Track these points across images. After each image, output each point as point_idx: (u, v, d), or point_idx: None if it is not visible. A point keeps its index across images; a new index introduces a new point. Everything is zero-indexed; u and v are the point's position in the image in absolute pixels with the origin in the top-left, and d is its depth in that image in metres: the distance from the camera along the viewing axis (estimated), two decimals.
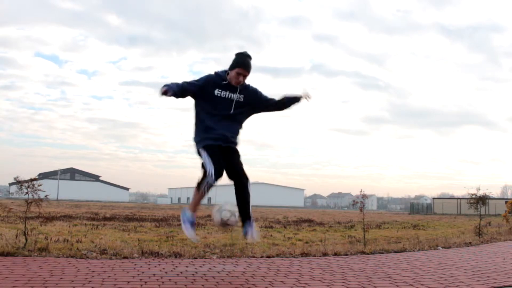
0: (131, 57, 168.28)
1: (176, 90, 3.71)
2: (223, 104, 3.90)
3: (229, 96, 3.93)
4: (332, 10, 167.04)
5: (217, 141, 3.87)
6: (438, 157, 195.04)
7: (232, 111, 3.92)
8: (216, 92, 3.91)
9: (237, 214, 3.84)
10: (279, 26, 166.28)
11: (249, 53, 4.00)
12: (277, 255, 5.00)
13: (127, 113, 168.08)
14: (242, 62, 3.92)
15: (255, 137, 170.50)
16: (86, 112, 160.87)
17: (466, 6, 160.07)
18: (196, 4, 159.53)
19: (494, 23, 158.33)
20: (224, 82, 3.94)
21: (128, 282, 3.29)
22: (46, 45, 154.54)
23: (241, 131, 4.06)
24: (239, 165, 3.96)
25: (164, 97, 3.68)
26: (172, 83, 3.73)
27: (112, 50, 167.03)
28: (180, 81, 3.85)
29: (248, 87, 4.05)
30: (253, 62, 3.99)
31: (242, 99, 3.97)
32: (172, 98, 3.77)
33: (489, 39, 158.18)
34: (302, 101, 4.16)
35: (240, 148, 4.06)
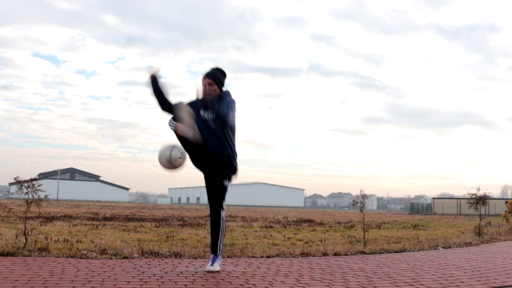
0: (129, 57, 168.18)
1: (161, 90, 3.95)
2: (207, 125, 3.92)
3: (209, 116, 3.94)
4: (329, 10, 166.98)
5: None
6: (437, 157, 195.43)
7: (214, 127, 3.90)
8: (202, 114, 3.96)
9: (185, 156, 3.84)
10: (276, 26, 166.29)
11: (221, 68, 4.04)
12: (277, 255, 5.00)
13: (125, 113, 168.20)
14: (205, 72, 3.98)
15: (254, 137, 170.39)
16: (84, 112, 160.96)
17: (461, 6, 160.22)
18: (192, 4, 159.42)
19: (490, 23, 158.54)
20: (203, 101, 3.97)
21: (128, 282, 3.29)
22: (44, 45, 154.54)
23: (227, 144, 3.97)
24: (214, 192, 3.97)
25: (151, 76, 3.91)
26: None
27: (110, 50, 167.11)
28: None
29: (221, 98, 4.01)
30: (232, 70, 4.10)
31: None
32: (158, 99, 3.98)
33: (486, 39, 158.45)
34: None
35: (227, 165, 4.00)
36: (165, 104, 4.00)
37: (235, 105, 3.97)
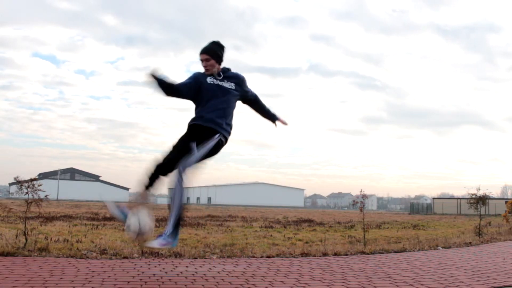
0: (129, 57, 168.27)
1: (163, 81, 3.60)
2: (217, 91, 3.82)
3: (220, 83, 3.87)
4: (328, 10, 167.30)
5: (206, 123, 3.75)
6: (437, 157, 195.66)
7: (225, 97, 3.83)
8: (209, 80, 3.86)
9: (144, 230, 3.53)
10: (275, 26, 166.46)
11: (219, 40, 3.96)
12: (277, 255, 5.00)
13: (125, 113, 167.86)
14: (202, 48, 3.90)
15: (254, 137, 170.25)
16: (84, 112, 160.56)
17: (461, 6, 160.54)
18: (192, 4, 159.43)
19: (490, 23, 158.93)
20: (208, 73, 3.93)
21: (128, 282, 3.29)
22: (44, 45, 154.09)
23: (232, 120, 3.92)
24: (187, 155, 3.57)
25: (151, 78, 3.55)
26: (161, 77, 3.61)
27: (110, 50, 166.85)
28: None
29: (230, 74, 3.97)
30: (220, 47, 3.91)
31: (233, 87, 3.91)
32: (159, 90, 3.64)
33: (485, 39, 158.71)
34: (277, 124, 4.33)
35: (227, 140, 3.85)
36: (170, 88, 3.73)
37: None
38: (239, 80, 3.98)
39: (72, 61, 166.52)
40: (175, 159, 3.61)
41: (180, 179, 3.55)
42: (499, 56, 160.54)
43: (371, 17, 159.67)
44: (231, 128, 3.92)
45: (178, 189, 3.57)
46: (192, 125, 3.83)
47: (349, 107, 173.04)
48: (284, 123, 4.33)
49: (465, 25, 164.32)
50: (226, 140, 3.90)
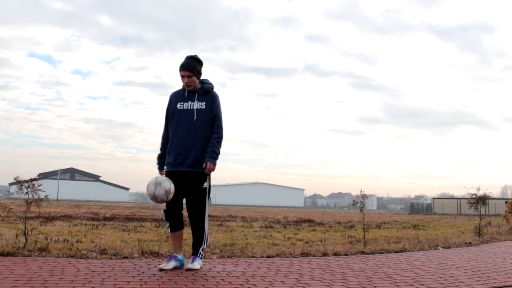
0: (124, 57, 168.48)
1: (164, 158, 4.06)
2: (185, 116, 3.94)
3: (190, 106, 3.96)
4: (322, 10, 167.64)
5: (177, 167, 3.91)
6: (435, 157, 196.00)
7: (194, 119, 3.92)
8: (179, 105, 3.99)
9: (169, 195, 3.72)
10: (270, 26, 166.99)
11: (196, 55, 4.03)
12: (277, 255, 5.00)
13: (123, 113, 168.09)
14: (181, 64, 3.96)
15: (252, 137, 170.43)
16: (82, 112, 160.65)
17: (453, 6, 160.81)
18: (186, 4, 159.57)
19: (483, 23, 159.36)
20: (184, 92, 4.02)
21: (128, 282, 3.29)
22: (39, 45, 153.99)
23: (203, 139, 3.93)
24: (193, 201, 3.92)
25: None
26: (157, 159, 4.12)
27: (105, 50, 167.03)
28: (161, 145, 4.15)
29: (209, 94, 4.02)
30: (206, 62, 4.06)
31: (204, 107, 3.96)
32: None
33: (479, 39, 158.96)
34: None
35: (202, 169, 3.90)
36: None
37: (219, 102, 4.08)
38: (208, 98, 4.00)
39: (68, 61, 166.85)
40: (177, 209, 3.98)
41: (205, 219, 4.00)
42: (494, 56, 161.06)
43: (364, 17, 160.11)
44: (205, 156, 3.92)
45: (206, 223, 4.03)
46: (168, 172, 3.99)
47: (346, 107, 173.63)
48: (207, 171, 3.93)
49: (458, 25, 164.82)
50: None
